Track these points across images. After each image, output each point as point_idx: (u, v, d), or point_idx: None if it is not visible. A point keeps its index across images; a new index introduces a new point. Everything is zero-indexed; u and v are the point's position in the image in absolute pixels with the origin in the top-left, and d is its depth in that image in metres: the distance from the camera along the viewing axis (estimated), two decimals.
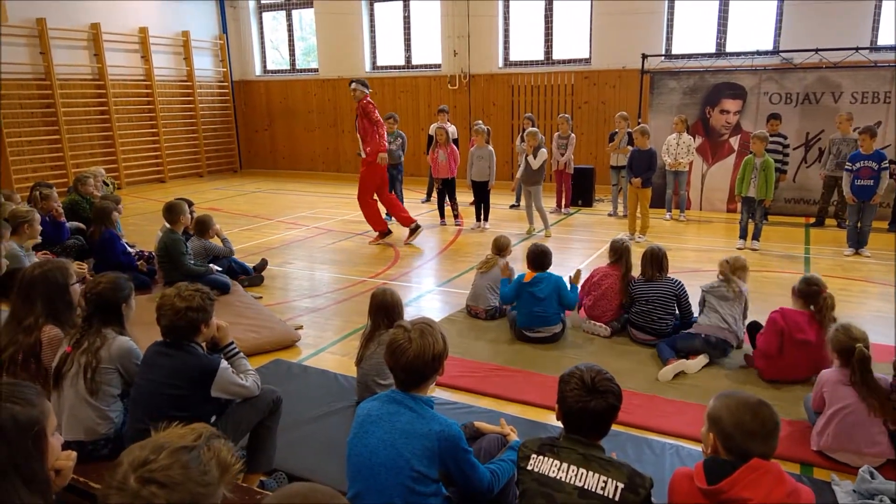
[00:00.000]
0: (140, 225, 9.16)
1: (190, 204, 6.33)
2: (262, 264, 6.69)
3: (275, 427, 3.06)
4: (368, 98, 7.94)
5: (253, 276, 6.45)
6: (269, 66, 15.79)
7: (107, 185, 8.15)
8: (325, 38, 14.42)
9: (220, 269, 6.07)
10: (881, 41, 10.00)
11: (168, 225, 5.83)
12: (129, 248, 6.46)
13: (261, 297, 6.00)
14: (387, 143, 8.13)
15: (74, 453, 1.83)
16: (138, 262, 6.26)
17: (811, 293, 4.05)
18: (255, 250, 7.72)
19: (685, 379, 4.20)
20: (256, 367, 4.39)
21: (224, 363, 2.84)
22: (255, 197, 12.20)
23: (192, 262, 5.77)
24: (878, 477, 2.91)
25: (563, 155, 9.76)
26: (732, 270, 4.62)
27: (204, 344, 2.90)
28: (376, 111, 7.98)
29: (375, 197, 8.28)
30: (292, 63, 15.44)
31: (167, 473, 1.24)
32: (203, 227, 6.18)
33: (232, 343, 3.03)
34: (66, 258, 5.42)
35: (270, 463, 3.07)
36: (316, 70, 14.87)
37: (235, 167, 16.03)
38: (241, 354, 3.06)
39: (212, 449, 1.34)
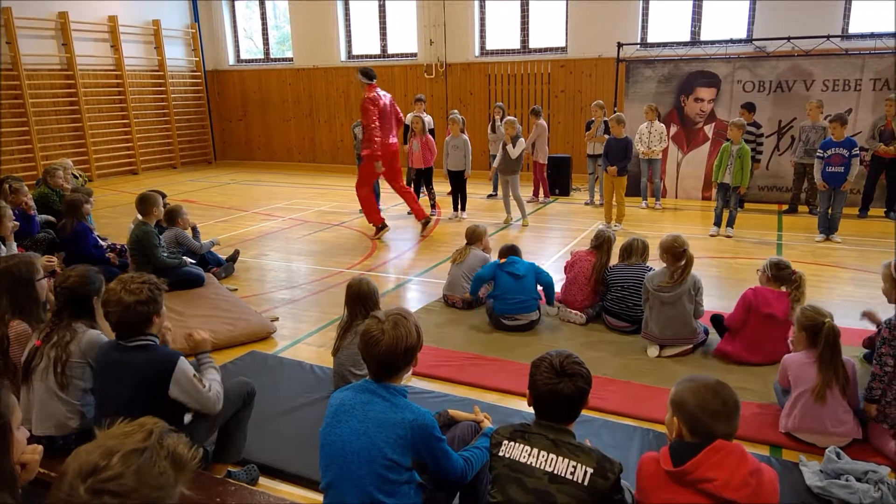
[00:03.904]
0: (112, 217, 9.01)
1: (163, 196, 6.24)
2: (235, 255, 6.64)
3: (246, 419, 3.04)
4: (373, 92, 7.45)
5: (226, 265, 6.40)
6: (243, 56, 15.58)
7: (76, 177, 7.99)
8: (299, 26, 14.25)
9: (193, 261, 6.00)
10: (852, 29, 10.16)
11: (140, 217, 5.74)
12: (101, 242, 6.36)
13: (236, 290, 5.95)
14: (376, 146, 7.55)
15: (41, 447, 1.80)
16: (109, 255, 6.16)
17: (784, 276, 4.18)
18: (231, 242, 7.63)
19: (660, 365, 4.26)
20: (232, 360, 4.39)
21: (184, 360, 2.70)
22: (231, 188, 12.06)
23: (166, 254, 5.69)
24: (845, 457, 2.99)
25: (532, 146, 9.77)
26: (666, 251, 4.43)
27: (159, 336, 2.79)
28: (374, 110, 7.41)
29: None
30: (266, 52, 15.24)
31: (120, 482, 1.16)
32: (173, 215, 6.11)
33: (206, 353, 2.95)
34: (36, 252, 5.34)
35: (239, 454, 3.06)
36: (291, 59, 14.70)
37: (210, 158, 15.83)
38: (213, 364, 2.94)
39: (164, 446, 1.26)
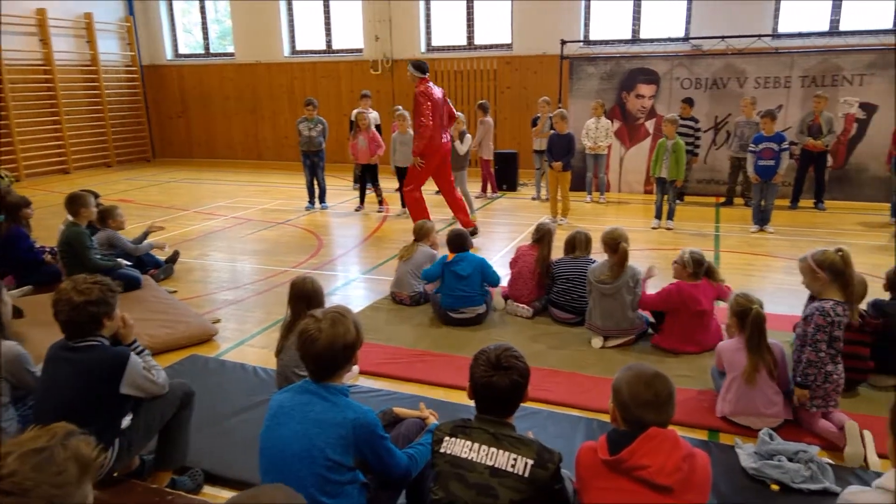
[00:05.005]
0: (43, 219, 8.56)
1: (95, 196, 5.98)
2: (174, 255, 6.44)
3: (187, 422, 2.94)
4: (425, 86, 7.00)
5: (164, 267, 6.20)
6: (182, 50, 15.10)
7: (2, 177, 7.58)
8: (240, 20, 13.91)
9: (129, 262, 5.77)
10: (781, 29, 10.59)
11: (70, 217, 5.47)
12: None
13: (175, 291, 5.75)
14: (437, 139, 7.02)
15: None
16: (45, 257, 5.88)
17: (699, 272, 4.33)
18: (171, 242, 7.37)
19: (603, 356, 4.34)
20: (171, 364, 4.25)
21: (133, 356, 2.69)
22: (170, 187, 11.68)
23: (98, 256, 5.45)
24: (777, 438, 3.11)
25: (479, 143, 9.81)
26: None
27: (125, 336, 2.75)
28: (427, 103, 6.92)
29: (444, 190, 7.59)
30: (206, 47, 14.82)
31: (13, 480, 1.17)
32: (105, 216, 5.87)
33: (135, 341, 2.87)
34: None
35: (183, 459, 2.96)
36: (232, 54, 14.34)
37: (148, 156, 15.29)
38: (147, 351, 2.89)
39: (68, 447, 1.27)
